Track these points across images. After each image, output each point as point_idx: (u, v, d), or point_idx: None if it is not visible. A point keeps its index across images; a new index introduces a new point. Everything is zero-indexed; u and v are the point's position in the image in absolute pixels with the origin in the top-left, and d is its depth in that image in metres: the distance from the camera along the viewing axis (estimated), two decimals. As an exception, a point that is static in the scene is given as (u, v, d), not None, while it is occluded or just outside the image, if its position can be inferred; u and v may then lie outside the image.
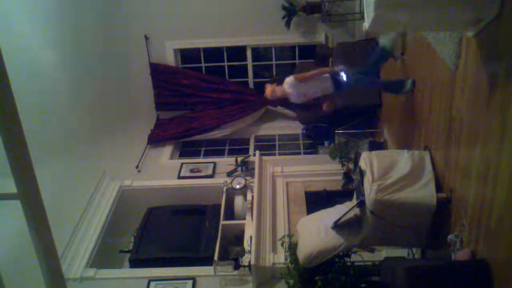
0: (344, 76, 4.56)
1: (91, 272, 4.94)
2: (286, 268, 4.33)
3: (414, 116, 4.51)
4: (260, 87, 7.16)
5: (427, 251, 4.01)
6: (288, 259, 4.31)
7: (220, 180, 6.04)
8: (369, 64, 4.79)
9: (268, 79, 7.29)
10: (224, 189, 5.74)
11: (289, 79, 4.66)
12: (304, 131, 6.97)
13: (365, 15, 2.93)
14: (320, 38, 7.15)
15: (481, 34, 2.84)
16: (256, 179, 5.60)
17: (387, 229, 3.76)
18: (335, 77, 4.62)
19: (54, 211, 4.22)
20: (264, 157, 6.29)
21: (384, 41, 4.58)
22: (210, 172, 6.41)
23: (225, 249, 4.88)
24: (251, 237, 4.84)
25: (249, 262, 4.59)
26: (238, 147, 7.33)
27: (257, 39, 7.32)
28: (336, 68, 4.69)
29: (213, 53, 7.54)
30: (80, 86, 6.36)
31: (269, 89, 4.75)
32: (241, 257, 4.69)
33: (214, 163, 6.57)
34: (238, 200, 5.57)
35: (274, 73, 7.60)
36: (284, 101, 4.95)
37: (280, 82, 4.81)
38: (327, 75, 4.64)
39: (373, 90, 5.84)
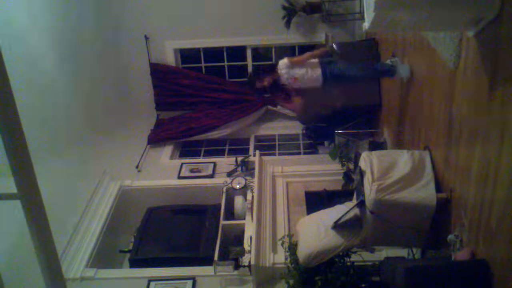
0: (335, 46, 4.72)
1: (91, 272, 4.93)
2: (286, 268, 4.33)
3: (414, 116, 4.51)
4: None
5: (427, 251, 4.00)
6: (288, 259, 4.31)
7: (220, 180, 6.04)
8: (363, 71, 5.10)
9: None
10: (224, 189, 5.73)
11: (282, 61, 5.05)
12: (304, 131, 6.97)
13: (365, 15, 2.93)
14: (320, 38, 7.14)
15: (481, 34, 2.84)
16: (256, 179, 5.60)
17: (387, 229, 3.76)
18: (324, 68, 4.95)
19: (54, 211, 4.21)
20: (264, 157, 6.29)
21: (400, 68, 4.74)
22: (210, 172, 6.40)
23: (225, 249, 4.88)
24: (251, 237, 4.83)
25: (249, 262, 4.59)
26: (238, 147, 7.32)
27: (257, 39, 7.32)
28: (327, 47, 5.00)
29: (213, 53, 7.53)
30: (80, 86, 6.36)
31: (266, 80, 5.10)
32: (241, 257, 4.69)
33: (214, 163, 6.56)
34: (238, 200, 5.56)
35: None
36: (274, 87, 5.18)
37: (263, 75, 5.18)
38: (318, 68, 4.95)
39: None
